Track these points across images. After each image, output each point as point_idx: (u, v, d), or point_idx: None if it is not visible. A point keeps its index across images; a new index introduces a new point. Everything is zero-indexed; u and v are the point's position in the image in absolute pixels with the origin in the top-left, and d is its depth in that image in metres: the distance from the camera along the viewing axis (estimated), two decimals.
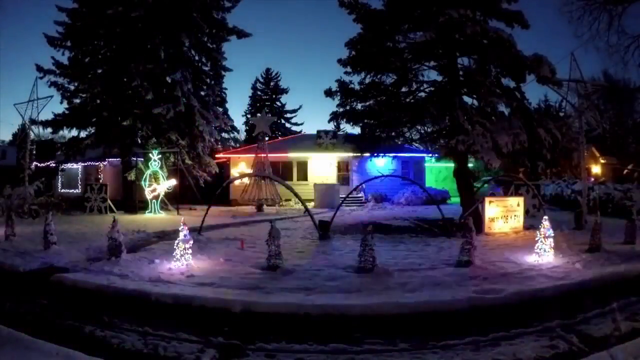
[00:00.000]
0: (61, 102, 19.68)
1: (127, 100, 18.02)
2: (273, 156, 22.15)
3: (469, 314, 5.27)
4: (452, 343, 4.43)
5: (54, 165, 22.77)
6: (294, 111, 45.78)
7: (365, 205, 21.30)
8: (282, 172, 23.92)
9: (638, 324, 4.85)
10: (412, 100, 13.15)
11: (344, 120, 14.28)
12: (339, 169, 24.93)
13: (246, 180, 19.51)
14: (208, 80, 22.18)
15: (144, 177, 17.40)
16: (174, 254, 7.43)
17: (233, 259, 8.11)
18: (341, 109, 13.94)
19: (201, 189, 20.55)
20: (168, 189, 17.39)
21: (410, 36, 13.00)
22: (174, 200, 18.30)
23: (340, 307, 5.42)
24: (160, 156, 17.55)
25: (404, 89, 13.51)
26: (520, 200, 12.07)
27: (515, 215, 11.67)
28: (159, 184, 17.19)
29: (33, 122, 17.07)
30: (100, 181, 18.22)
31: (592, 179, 20.02)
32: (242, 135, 42.77)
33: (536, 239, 7.90)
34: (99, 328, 4.86)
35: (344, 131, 23.85)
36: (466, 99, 12.64)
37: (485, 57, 11.76)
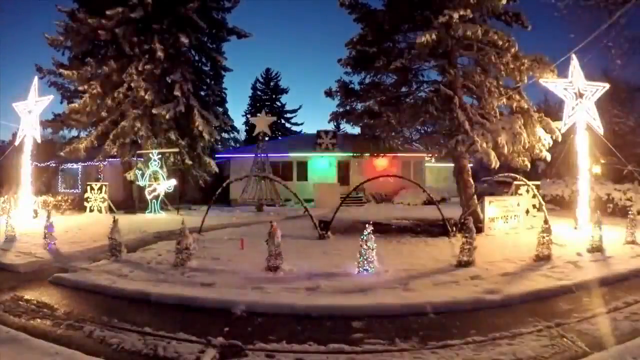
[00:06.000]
0: (61, 102, 19.70)
1: (127, 100, 18.01)
2: (273, 156, 22.15)
3: (469, 314, 5.28)
4: (452, 343, 4.43)
5: (54, 165, 22.76)
6: (294, 111, 45.78)
7: (365, 205, 21.29)
8: (282, 172, 23.90)
9: (638, 324, 4.84)
10: (412, 100, 13.15)
11: (344, 120, 14.27)
12: (339, 169, 24.91)
13: (246, 180, 19.49)
14: (208, 80, 22.17)
15: (144, 177, 17.40)
16: None
17: (233, 259, 8.11)
18: (341, 109, 13.93)
19: (201, 189, 20.52)
20: (168, 189, 17.38)
21: (410, 36, 12.99)
22: (174, 200, 18.30)
23: (340, 308, 5.43)
24: (160, 156, 17.54)
25: (404, 89, 13.50)
26: (520, 200, 12.06)
27: (515, 215, 11.67)
28: (159, 184, 17.19)
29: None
30: (100, 181, 18.17)
31: (592, 179, 19.94)
32: (242, 135, 42.72)
33: (536, 238, 7.91)
34: (99, 328, 4.86)
35: (344, 131, 23.85)
36: (466, 99, 12.64)
37: (485, 57, 11.77)
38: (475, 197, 12.55)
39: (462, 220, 9.94)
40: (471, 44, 11.60)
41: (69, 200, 18.14)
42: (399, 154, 20.31)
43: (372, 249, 7.01)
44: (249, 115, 42.12)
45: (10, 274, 7.41)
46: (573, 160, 12.58)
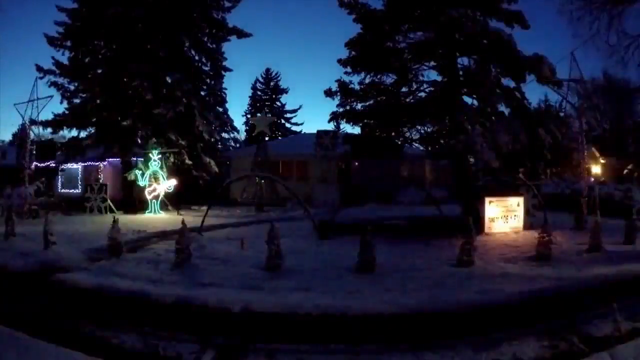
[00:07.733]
0: (61, 102, 19.65)
1: (127, 100, 18.01)
2: (273, 156, 22.14)
3: (469, 314, 5.27)
4: (452, 343, 4.43)
5: (54, 165, 22.73)
6: (294, 111, 45.81)
7: (365, 205, 21.26)
8: (282, 172, 23.87)
9: (638, 324, 4.84)
10: (412, 100, 13.19)
11: (344, 120, 14.32)
12: (339, 169, 24.87)
13: (246, 180, 19.49)
14: (208, 80, 22.18)
15: (144, 177, 17.40)
16: None
17: (233, 259, 8.11)
18: (341, 109, 13.98)
19: (201, 189, 20.49)
20: (168, 189, 17.37)
21: (410, 36, 13.04)
22: (174, 200, 18.28)
23: (340, 308, 5.42)
24: (160, 156, 17.53)
25: (404, 89, 13.55)
26: (520, 200, 12.04)
27: (515, 215, 11.65)
28: (159, 184, 17.18)
29: (33, 122, 17.04)
30: (100, 181, 18.17)
31: (592, 179, 19.95)
32: (242, 135, 42.72)
33: (536, 239, 7.90)
34: (99, 328, 4.86)
35: (344, 131, 23.84)
36: (466, 99, 12.68)
37: (485, 57, 11.80)
38: (475, 197, 12.54)
39: (462, 220, 9.93)
40: (471, 43, 11.61)
41: (69, 201, 18.12)
42: (398, 154, 20.33)
43: (372, 249, 7.01)
44: (249, 115, 42.16)
45: (10, 274, 7.40)
46: (573, 160, 12.56)
